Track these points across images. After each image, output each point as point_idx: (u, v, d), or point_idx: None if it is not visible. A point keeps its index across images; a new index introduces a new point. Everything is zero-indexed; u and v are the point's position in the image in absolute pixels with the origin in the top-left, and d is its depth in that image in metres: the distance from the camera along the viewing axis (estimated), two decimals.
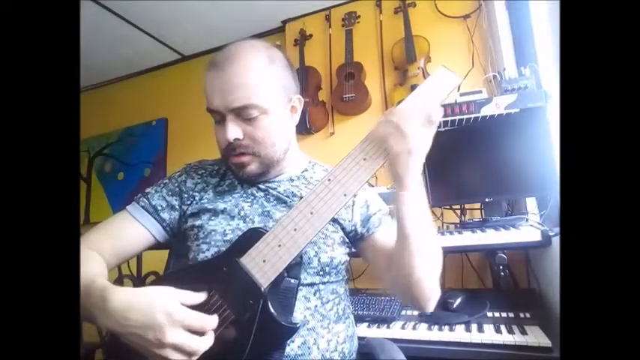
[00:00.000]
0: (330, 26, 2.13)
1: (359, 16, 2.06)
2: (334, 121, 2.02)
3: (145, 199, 0.80)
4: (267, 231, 0.64)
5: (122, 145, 2.70)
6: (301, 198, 0.77)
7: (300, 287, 0.69)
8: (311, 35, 2.18)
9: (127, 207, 0.80)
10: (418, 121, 0.64)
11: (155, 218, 0.78)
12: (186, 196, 0.80)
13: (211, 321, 0.56)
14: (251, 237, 0.64)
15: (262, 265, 0.62)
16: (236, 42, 0.76)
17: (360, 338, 0.84)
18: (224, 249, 0.72)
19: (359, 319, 1.22)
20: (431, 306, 0.71)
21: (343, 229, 0.79)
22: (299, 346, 0.68)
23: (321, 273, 0.73)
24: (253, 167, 0.76)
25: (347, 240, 0.80)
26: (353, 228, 0.80)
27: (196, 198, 0.80)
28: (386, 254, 0.76)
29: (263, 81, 0.72)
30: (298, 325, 0.63)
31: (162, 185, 0.82)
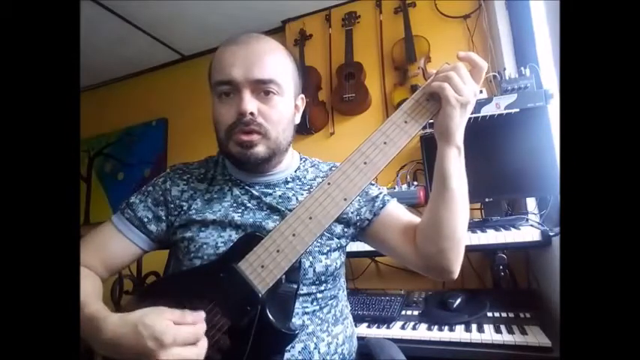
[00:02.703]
0: (330, 26, 2.12)
1: (359, 16, 2.06)
2: (334, 121, 2.01)
3: (129, 211, 0.76)
4: (264, 236, 0.63)
5: (122, 145, 2.70)
6: (297, 201, 0.76)
7: (297, 297, 0.68)
8: (311, 35, 2.17)
9: (112, 218, 0.77)
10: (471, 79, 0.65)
11: (142, 231, 0.76)
12: (172, 206, 0.76)
13: (201, 329, 0.55)
14: (248, 242, 0.63)
15: (260, 271, 0.61)
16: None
17: (359, 338, 0.84)
18: None
19: (359, 319, 1.22)
20: (457, 272, 0.72)
21: (347, 222, 0.78)
22: (299, 352, 0.68)
23: (317, 282, 0.72)
24: (260, 149, 0.72)
25: (343, 244, 0.78)
26: (358, 217, 0.79)
27: (184, 207, 0.76)
28: (402, 228, 0.77)
29: (284, 64, 0.75)
30: (297, 332, 0.63)
31: (146, 194, 0.78)
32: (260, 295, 0.60)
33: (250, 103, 0.69)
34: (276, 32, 2.27)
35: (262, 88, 0.71)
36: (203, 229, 0.73)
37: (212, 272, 0.63)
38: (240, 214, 0.74)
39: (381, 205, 0.80)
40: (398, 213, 0.80)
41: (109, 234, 0.76)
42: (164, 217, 0.77)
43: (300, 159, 0.87)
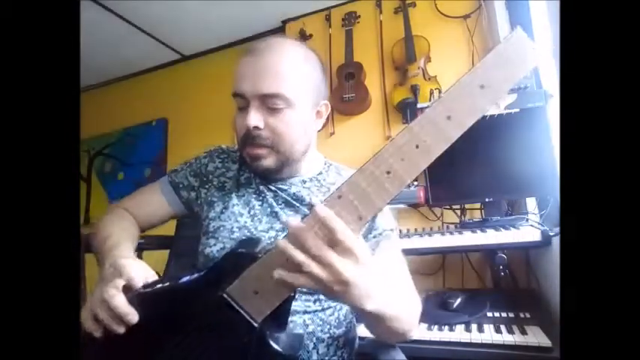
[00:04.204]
0: (330, 26, 2.13)
1: (359, 16, 2.06)
2: (334, 121, 2.02)
3: (173, 175, 0.87)
4: (253, 254, 0.55)
5: (122, 145, 2.70)
6: (310, 203, 0.75)
7: (300, 294, 0.67)
8: (311, 35, 2.18)
9: (160, 179, 0.89)
10: None
11: (176, 194, 0.85)
12: (205, 179, 0.83)
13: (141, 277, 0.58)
14: (236, 263, 0.55)
15: (254, 298, 0.53)
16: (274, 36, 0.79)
17: (360, 338, 0.84)
18: (228, 246, 0.72)
19: (359, 319, 1.21)
20: (413, 332, 0.66)
21: None
22: None
23: None
24: (269, 162, 0.73)
25: None
26: None
27: (214, 183, 0.82)
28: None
29: (296, 75, 0.71)
30: (300, 356, 0.60)
31: (188, 165, 0.87)
32: (256, 326, 0.53)
33: (255, 117, 0.69)
34: (276, 32, 2.27)
35: (269, 102, 0.70)
36: (224, 211, 0.77)
37: (199, 298, 0.57)
38: (260, 202, 0.78)
39: (373, 246, 0.73)
40: (387, 259, 0.73)
41: (152, 190, 0.87)
42: (196, 188, 0.84)
43: (325, 164, 0.86)
